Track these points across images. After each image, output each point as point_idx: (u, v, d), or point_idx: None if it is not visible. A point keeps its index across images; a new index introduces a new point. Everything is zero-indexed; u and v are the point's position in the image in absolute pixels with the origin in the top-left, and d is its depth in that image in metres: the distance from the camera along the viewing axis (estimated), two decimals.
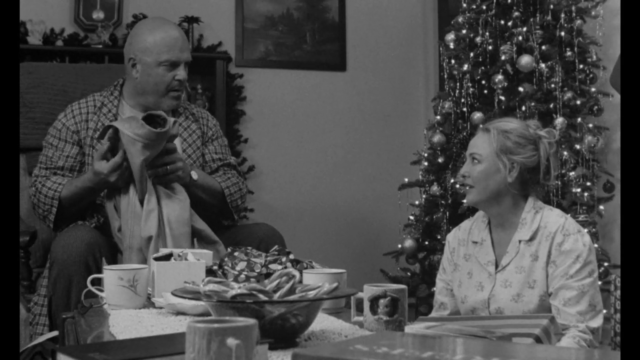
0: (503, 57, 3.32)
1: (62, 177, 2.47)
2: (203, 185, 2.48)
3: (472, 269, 2.06)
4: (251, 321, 0.94)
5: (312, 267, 1.95)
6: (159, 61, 2.47)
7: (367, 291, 1.58)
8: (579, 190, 3.21)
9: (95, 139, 2.43)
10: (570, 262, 1.89)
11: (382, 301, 1.56)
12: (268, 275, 1.83)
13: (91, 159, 2.45)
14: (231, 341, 0.90)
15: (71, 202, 2.41)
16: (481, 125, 2.08)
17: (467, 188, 2.03)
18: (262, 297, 1.33)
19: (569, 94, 3.30)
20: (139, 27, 2.60)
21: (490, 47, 3.40)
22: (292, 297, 1.36)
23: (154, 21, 2.63)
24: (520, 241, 1.98)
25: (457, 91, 3.50)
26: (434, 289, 2.23)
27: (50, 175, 2.47)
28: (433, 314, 2.19)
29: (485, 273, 2.02)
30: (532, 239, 1.96)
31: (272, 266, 1.89)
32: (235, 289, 1.33)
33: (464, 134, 3.45)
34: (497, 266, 2.01)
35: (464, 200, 3.31)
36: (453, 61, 3.57)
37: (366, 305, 1.58)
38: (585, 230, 2.08)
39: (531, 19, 3.35)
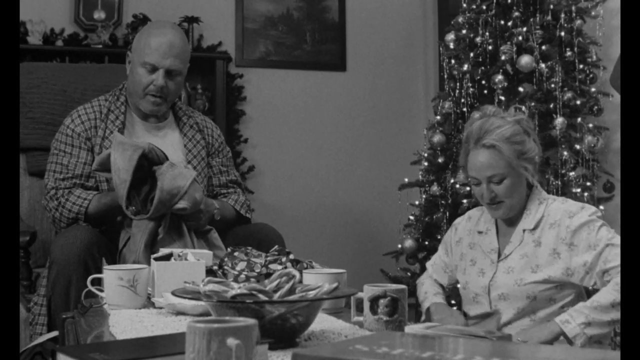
0: (503, 57, 3.32)
1: (84, 189, 2.41)
2: (222, 219, 2.49)
3: (475, 256, 2.09)
4: (251, 321, 0.94)
5: (312, 267, 1.95)
6: (140, 62, 2.46)
7: (367, 291, 1.58)
8: (579, 190, 3.20)
9: (94, 169, 2.35)
10: (586, 235, 1.90)
11: (382, 301, 1.56)
12: (268, 275, 1.83)
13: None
14: (231, 341, 0.90)
15: (97, 217, 2.36)
16: (472, 144, 2.00)
17: (495, 205, 2.00)
18: (262, 297, 1.33)
19: (569, 94, 3.30)
20: (144, 27, 2.62)
21: (490, 47, 3.40)
22: (292, 297, 1.36)
23: (158, 24, 2.63)
24: (524, 230, 2.00)
25: (457, 91, 3.50)
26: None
27: (72, 188, 2.40)
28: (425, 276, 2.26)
29: (488, 260, 2.05)
30: (535, 227, 1.99)
31: (272, 266, 1.89)
32: (235, 289, 1.33)
33: (464, 134, 3.45)
34: (499, 255, 2.04)
35: (464, 200, 3.32)
36: (453, 61, 3.57)
37: (366, 305, 1.58)
38: None
39: (531, 19, 3.35)
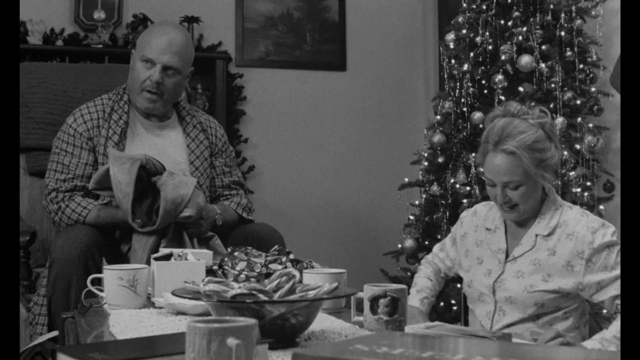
0: (503, 57, 3.32)
1: (85, 192, 2.41)
2: (224, 223, 2.49)
3: (482, 255, 2.06)
4: (251, 321, 0.94)
5: (312, 267, 1.95)
6: (140, 57, 2.48)
7: (367, 291, 1.58)
8: (579, 190, 3.20)
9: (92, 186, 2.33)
10: (605, 255, 1.89)
11: (382, 301, 1.56)
12: (268, 275, 1.83)
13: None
14: (231, 341, 0.90)
15: (94, 228, 2.35)
16: (491, 146, 1.93)
17: (508, 208, 1.96)
18: (262, 297, 1.33)
19: (569, 94, 3.30)
20: (149, 26, 2.65)
21: (490, 47, 3.40)
22: (292, 297, 1.36)
23: (163, 23, 2.64)
24: (537, 235, 1.97)
25: (457, 91, 3.50)
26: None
27: (73, 192, 2.40)
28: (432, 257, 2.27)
29: (495, 260, 2.02)
30: (550, 234, 1.96)
31: (272, 266, 1.89)
32: (235, 289, 1.33)
33: (464, 134, 3.45)
34: (507, 255, 2.01)
35: (464, 200, 3.32)
36: (453, 61, 3.57)
37: (366, 305, 1.58)
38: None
39: (531, 19, 3.35)
